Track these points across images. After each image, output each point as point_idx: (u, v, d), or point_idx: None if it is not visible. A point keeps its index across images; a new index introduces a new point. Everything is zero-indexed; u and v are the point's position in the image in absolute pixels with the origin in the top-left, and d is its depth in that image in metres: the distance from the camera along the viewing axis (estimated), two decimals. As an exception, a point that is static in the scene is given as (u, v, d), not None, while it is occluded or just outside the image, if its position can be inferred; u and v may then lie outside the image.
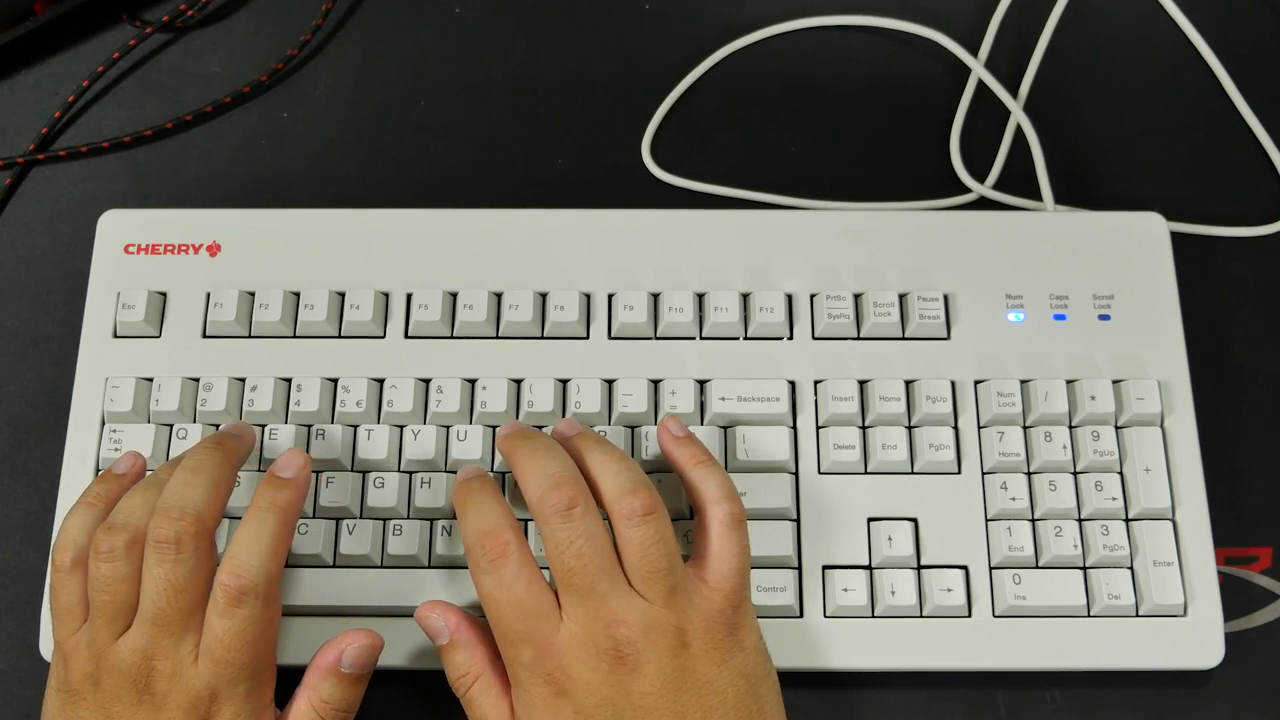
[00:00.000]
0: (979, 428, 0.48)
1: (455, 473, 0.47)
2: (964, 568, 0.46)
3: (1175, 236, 0.51)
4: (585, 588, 0.39)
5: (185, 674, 0.39)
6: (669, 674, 0.39)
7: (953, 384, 0.48)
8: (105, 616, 0.40)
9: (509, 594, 0.39)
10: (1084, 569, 0.46)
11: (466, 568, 0.46)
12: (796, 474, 0.48)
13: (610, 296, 0.50)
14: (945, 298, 0.50)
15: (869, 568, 0.46)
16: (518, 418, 0.48)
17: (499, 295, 0.50)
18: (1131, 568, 0.46)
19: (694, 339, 0.49)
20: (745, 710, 0.40)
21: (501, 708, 0.41)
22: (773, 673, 0.42)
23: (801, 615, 0.46)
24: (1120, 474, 0.48)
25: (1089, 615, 0.46)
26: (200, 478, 0.41)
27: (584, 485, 0.41)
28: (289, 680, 0.43)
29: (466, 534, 0.41)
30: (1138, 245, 0.51)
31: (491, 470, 0.47)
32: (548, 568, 0.40)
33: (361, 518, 0.47)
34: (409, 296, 0.50)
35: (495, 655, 0.42)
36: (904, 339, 0.49)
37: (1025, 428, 0.48)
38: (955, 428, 0.48)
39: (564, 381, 0.48)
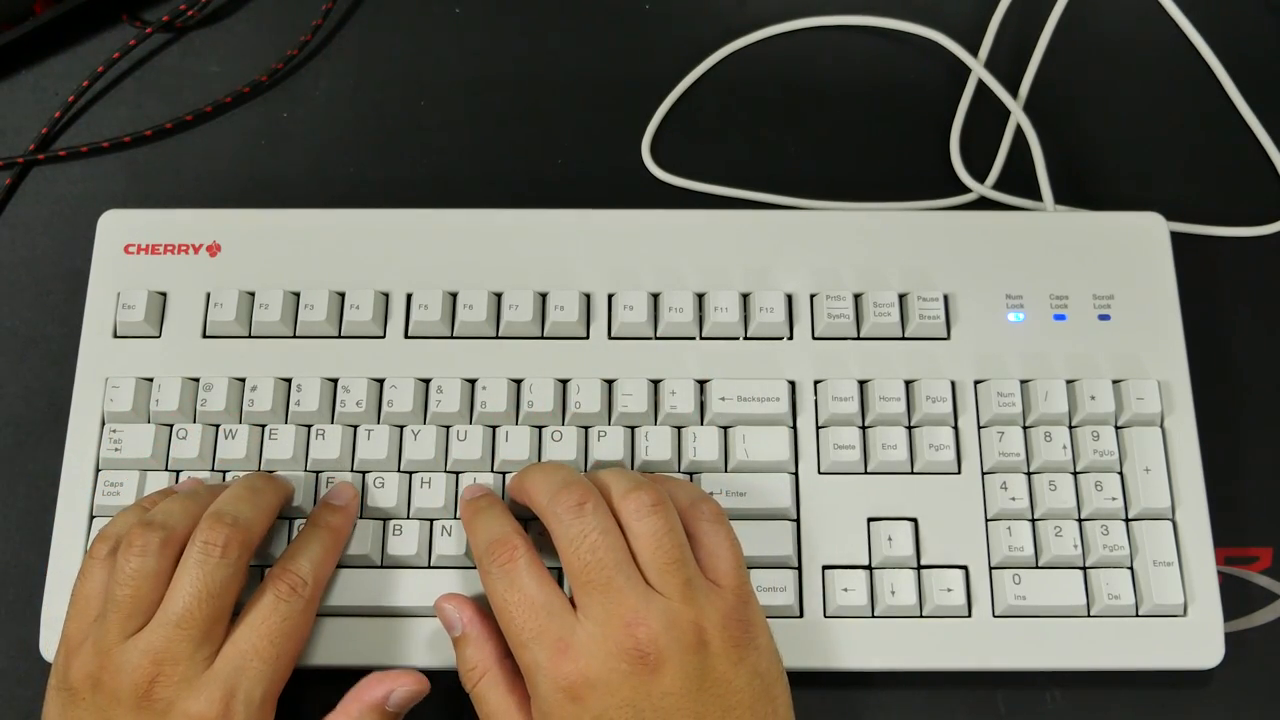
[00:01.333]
0: (979, 428, 0.48)
1: (455, 473, 0.47)
2: (964, 568, 0.46)
3: (1175, 236, 0.51)
4: (602, 582, 0.39)
5: (197, 680, 0.39)
6: (690, 673, 0.38)
7: (953, 384, 0.48)
8: (121, 612, 0.40)
9: (519, 594, 0.39)
10: (1084, 569, 0.46)
11: (466, 567, 0.46)
12: (796, 474, 0.48)
13: (610, 296, 0.50)
14: (945, 298, 0.50)
15: (869, 568, 0.46)
16: (518, 418, 0.48)
17: (499, 295, 0.50)
18: (1131, 568, 0.46)
19: (694, 339, 0.49)
20: (761, 710, 0.39)
21: (509, 704, 0.41)
22: (784, 673, 0.42)
23: (801, 615, 0.46)
24: (1120, 474, 0.48)
25: (1089, 615, 0.46)
26: (255, 497, 0.43)
27: (593, 487, 0.41)
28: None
29: (476, 545, 0.42)
30: (1138, 245, 0.51)
31: (491, 469, 0.47)
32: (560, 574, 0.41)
33: (362, 518, 0.47)
34: (409, 296, 0.50)
35: (506, 652, 0.41)
36: (904, 339, 0.49)
37: (1025, 428, 0.48)
38: (955, 428, 0.48)
39: (564, 381, 0.48)
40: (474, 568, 0.46)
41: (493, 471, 0.47)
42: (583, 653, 0.38)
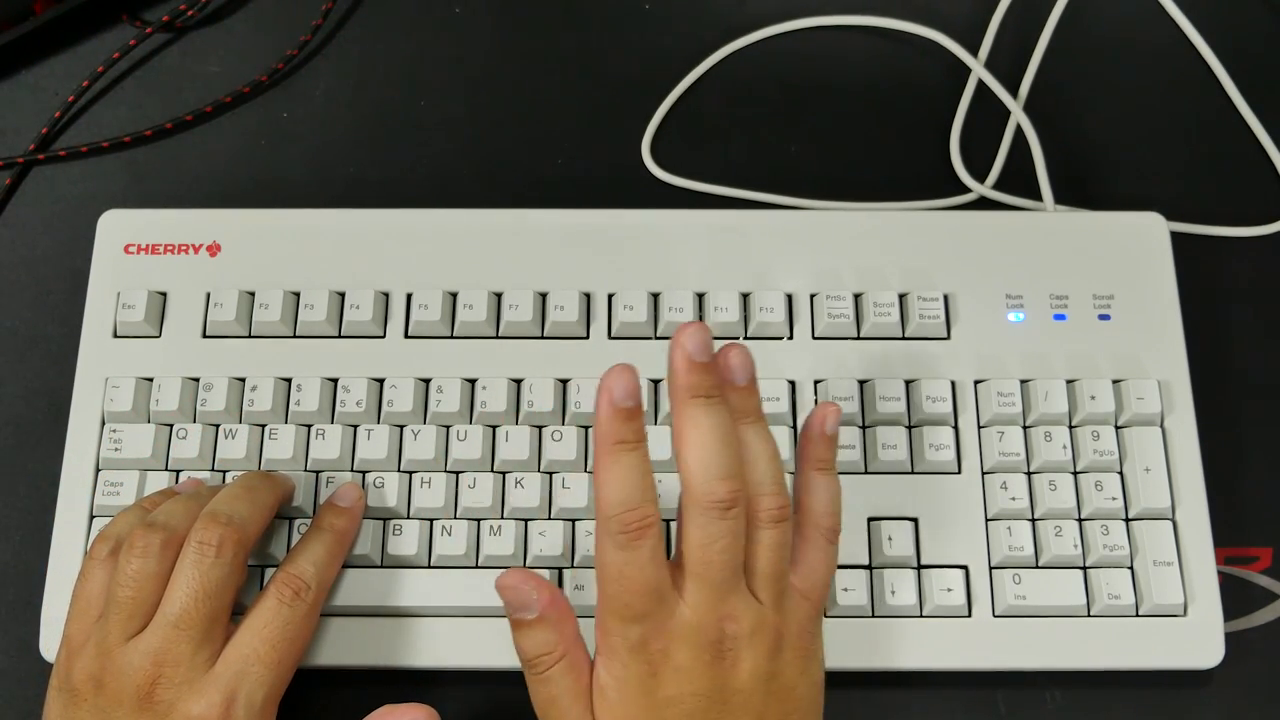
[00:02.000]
0: (979, 427, 0.48)
1: (455, 473, 0.47)
2: (964, 568, 0.46)
3: (1175, 236, 0.51)
4: (717, 581, 0.38)
5: (195, 681, 0.39)
6: (761, 675, 0.39)
7: (953, 384, 0.48)
8: (123, 614, 0.40)
9: (641, 573, 0.38)
10: (1084, 569, 0.46)
11: (466, 567, 0.46)
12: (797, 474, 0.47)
13: (610, 296, 0.50)
14: (945, 298, 0.50)
15: (869, 567, 0.46)
16: (518, 418, 0.48)
17: (499, 295, 0.50)
18: (1131, 567, 0.46)
19: (694, 339, 0.49)
20: (811, 719, 0.40)
21: (579, 689, 0.40)
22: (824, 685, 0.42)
23: (801, 615, 0.46)
24: (1120, 474, 0.48)
25: (1089, 615, 0.46)
26: (251, 495, 0.43)
27: (744, 483, 0.39)
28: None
29: (608, 499, 0.38)
30: (1138, 245, 0.51)
31: (491, 469, 0.47)
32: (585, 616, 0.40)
33: (362, 518, 0.47)
34: (409, 296, 0.50)
35: (578, 634, 0.41)
36: (904, 339, 0.49)
37: (1025, 427, 0.48)
38: (955, 428, 0.48)
39: (564, 381, 0.48)
40: (475, 568, 0.46)
41: (493, 471, 0.47)
42: (674, 634, 0.38)
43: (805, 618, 0.40)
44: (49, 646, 0.46)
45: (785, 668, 0.39)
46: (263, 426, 0.48)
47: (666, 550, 0.42)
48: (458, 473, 0.47)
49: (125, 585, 0.40)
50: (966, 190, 0.56)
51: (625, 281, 0.50)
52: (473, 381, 0.48)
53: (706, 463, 0.39)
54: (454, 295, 0.50)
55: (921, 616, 0.46)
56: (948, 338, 0.49)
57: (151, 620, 0.40)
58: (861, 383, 0.48)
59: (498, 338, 0.49)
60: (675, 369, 0.39)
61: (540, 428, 0.48)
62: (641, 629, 0.38)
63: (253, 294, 0.49)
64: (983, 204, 0.56)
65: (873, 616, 0.46)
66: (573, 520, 0.47)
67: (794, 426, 0.48)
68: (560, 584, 0.46)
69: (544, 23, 0.61)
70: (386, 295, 0.50)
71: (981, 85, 0.58)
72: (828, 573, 0.41)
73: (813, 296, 0.50)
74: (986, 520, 0.47)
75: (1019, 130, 0.57)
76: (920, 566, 0.46)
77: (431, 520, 0.47)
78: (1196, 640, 0.46)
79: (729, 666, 0.38)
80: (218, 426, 0.48)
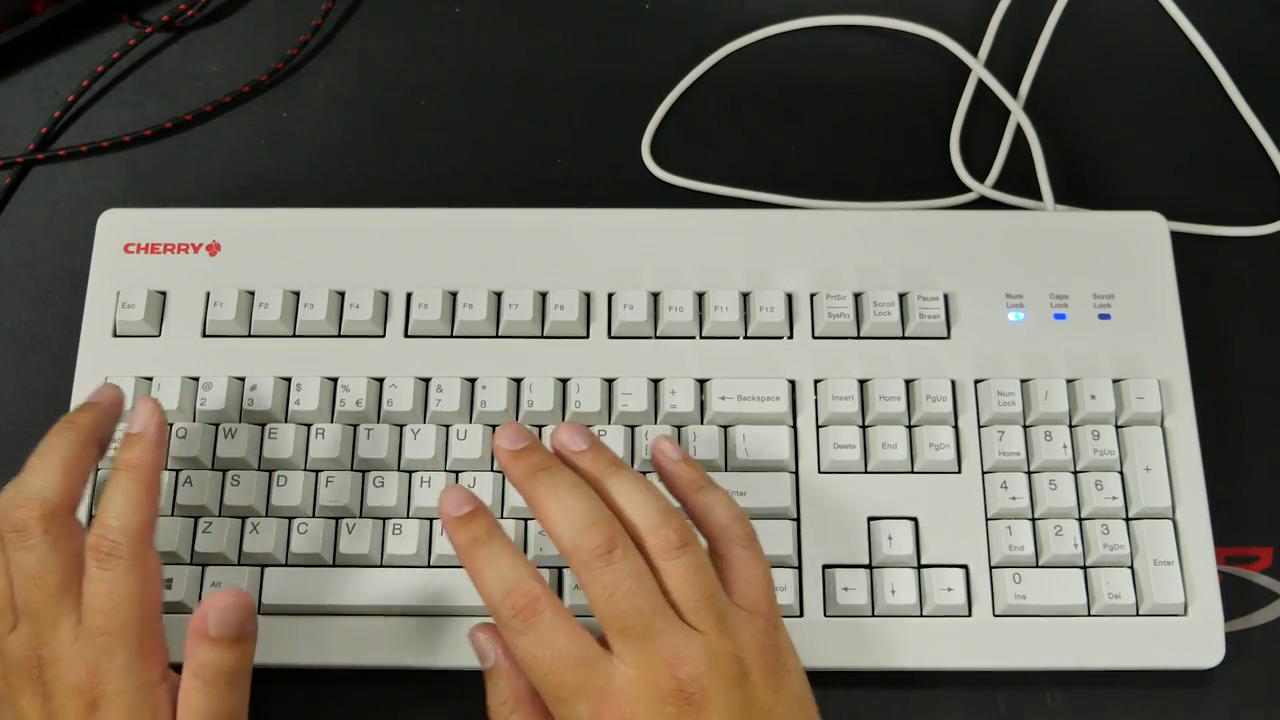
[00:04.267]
0: (979, 427, 0.48)
1: (455, 472, 0.47)
2: (964, 567, 0.46)
3: (1175, 236, 0.51)
4: (640, 629, 0.37)
5: (66, 657, 0.38)
6: (735, 708, 0.37)
7: (953, 383, 0.48)
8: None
9: (552, 651, 0.37)
10: (1084, 568, 0.46)
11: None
12: (796, 473, 0.47)
13: (610, 296, 0.50)
14: (945, 297, 0.50)
15: (869, 567, 0.46)
16: (518, 417, 0.48)
17: (499, 295, 0.50)
18: (1132, 567, 0.46)
19: (694, 338, 0.49)
20: None
21: None
22: (811, 690, 0.40)
23: (801, 615, 0.46)
24: (1120, 473, 0.47)
25: (1089, 615, 0.46)
26: (46, 460, 0.41)
27: (617, 523, 0.38)
28: (284, 681, 0.43)
29: (488, 594, 0.38)
30: (1138, 245, 0.51)
31: (491, 469, 0.47)
32: (586, 615, 0.38)
33: (361, 517, 0.47)
34: (409, 296, 0.50)
35: (533, 690, 0.39)
36: (904, 338, 0.49)
37: (1025, 427, 0.48)
38: (955, 427, 0.48)
39: (564, 381, 0.48)
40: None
41: (492, 471, 0.47)
42: (626, 699, 0.37)
43: (759, 634, 0.39)
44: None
45: (756, 692, 0.37)
46: (262, 426, 0.48)
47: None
48: (458, 472, 0.47)
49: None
50: (966, 190, 0.56)
51: (625, 281, 0.50)
52: (473, 381, 0.48)
53: (566, 517, 0.38)
54: (454, 295, 0.50)
55: (921, 616, 0.46)
56: (948, 337, 0.49)
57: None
58: (861, 382, 0.48)
59: (497, 337, 0.49)
60: (504, 465, 0.41)
61: (540, 427, 0.48)
62: (587, 704, 0.37)
63: (252, 293, 0.49)
64: (983, 204, 0.56)
65: (873, 616, 0.46)
66: (572, 520, 0.47)
67: (794, 426, 0.48)
68: (560, 584, 0.46)
69: (544, 23, 0.61)
70: (386, 294, 0.50)
71: (981, 85, 0.58)
72: (763, 580, 0.40)
73: (813, 296, 0.50)
74: (987, 520, 0.47)
75: (1019, 130, 0.57)
76: (920, 566, 0.46)
77: (431, 520, 0.47)
78: (1197, 640, 0.46)
79: (697, 711, 0.36)
80: (217, 426, 0.48)
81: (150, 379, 0.48)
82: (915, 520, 0.47)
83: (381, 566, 0.46)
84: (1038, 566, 0.46)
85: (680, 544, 0.38)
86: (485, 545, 0.39)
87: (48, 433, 0.42)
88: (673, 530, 0.38)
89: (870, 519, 0.47)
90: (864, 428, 0.48)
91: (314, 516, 0.47)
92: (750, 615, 0.39)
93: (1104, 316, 0.49)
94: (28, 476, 0.41)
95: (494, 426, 0.48)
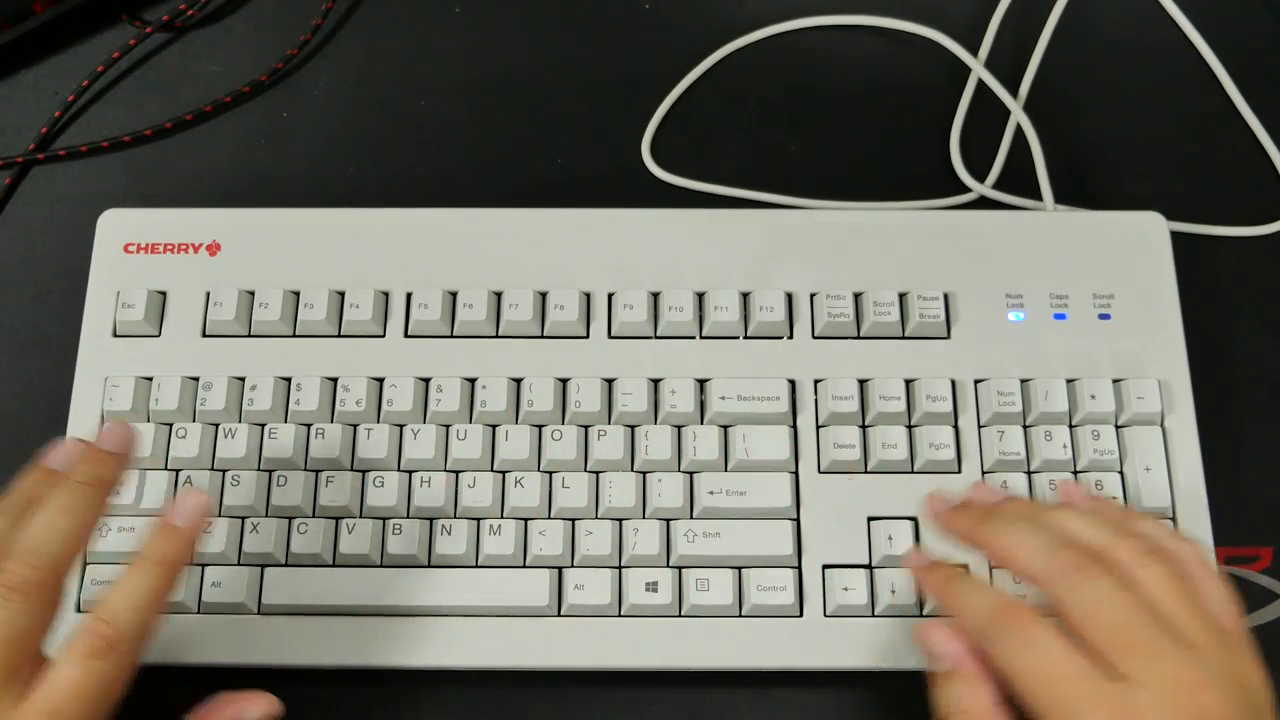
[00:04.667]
0: (979, 427, 0.48)
1: (455, 472, 0.47)
2: (964, 567, 0.46)
3: (1175, 236, 0.51)
4: (1142, 643, 0.35)
5: None
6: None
7: (953, 383, 0.48)
8: None
9: (1056, 659, 0.35)
10: (1084, 568, 0.46)
11: (466, 567, 0.46)
12: (796, 473, 0.47)
13: (610, 296, 0.50)
14: (945, 297, 0.50)
15: (869, 567, 0.46)
16: (518, 417, 0.48)
17: (499, 294, 0.50)
18: (1132, 567, 0.46)
19: (694, 338, 0.49)
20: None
21: None
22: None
23: (801, 614, 0.46)
24: (1120, 473, 0.47)
25: (1089, 615, 0.46)
26: (65, 520, 0.37)
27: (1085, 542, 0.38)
28: (284, 681, 0.43)
29: (974, 613, 0.38)
30: (1138, 245, 0.51)
31: (491, 469, 0.47)
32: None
33: (361, 517, 0.47)
34: (409, 296, 0.50)
35: (999, 700, 0.38)
36: (904, 338, 0.49)
37: (1025, 427, 0.48)
38: (955, 427, 0.48)
39: (564, 381, 0.48)
40: (475, 568, 0.46)
41: (492, 471, 0.47)
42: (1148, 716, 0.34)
43: (1246, 650, 0.37)
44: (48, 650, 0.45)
45: (1264, 714, 0.36)
46: (262, 426, 0.48)
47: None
48: (458, 472, 0.47)
49: None
50: (966, 190, 0.56)
51: (625, 281, 0.50)
52: (473, 381, 0.48)
53: (1033, 544, 0.38)
54: (454, 294, 0.50)
55: (922, 616, 0.46)
56: (948, 337, 0.49)
57: None
58: (861, 382, 0.48)
59: (497, 337, 0.49)
60: (945, 522, 0.43)
61: (540, 427, 0.48)
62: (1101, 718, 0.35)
63: (252, 293, 0.49)
64: (983, 204, 0.56)
65: (873, 616, 0.46)
66: (573, 520, 0.47)
67: (794, 426, 0.48)
68: (560, 584, 0.46)
69: (544, 23, 0.61)
70: (386, 294, 0.50)
71: (981, 85, 0.58)
72: (1230, 593, 0.38)
73: (813, 296, 0.50)
74: (987, 520, 0.47)
75: (1019, 130, 0.57)
76: (920, 566, 0.46)
77: (431, 520, 0.47)
78: (1197, 640, 0.46)
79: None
80: (217, 426, 0.48)
81: (150, 379, 0.48)
82: (915, 520, 0.47)
83: (381, 566, 0.46)
84: (1038, 566, 0.46)
85: (1147, 551, 0.37)
86: (959, 578, 0.41)
87: (67, 483, 0.38)
88: (1135, 540, 0.37)
89: (870, 519, 0.47)
90: (864, 428, 0.48)
91: (314, 516, 0.47)
92: (1230, 633, 0.37)
93: (1104, 316, 0.49)
94: (43, 533, 0.37)
95: (494, 427, 0.48)
